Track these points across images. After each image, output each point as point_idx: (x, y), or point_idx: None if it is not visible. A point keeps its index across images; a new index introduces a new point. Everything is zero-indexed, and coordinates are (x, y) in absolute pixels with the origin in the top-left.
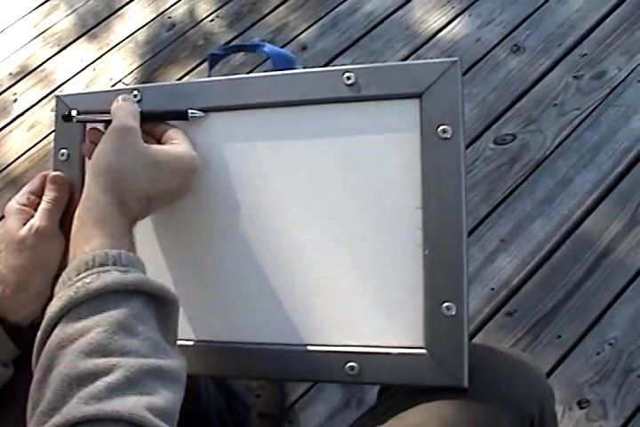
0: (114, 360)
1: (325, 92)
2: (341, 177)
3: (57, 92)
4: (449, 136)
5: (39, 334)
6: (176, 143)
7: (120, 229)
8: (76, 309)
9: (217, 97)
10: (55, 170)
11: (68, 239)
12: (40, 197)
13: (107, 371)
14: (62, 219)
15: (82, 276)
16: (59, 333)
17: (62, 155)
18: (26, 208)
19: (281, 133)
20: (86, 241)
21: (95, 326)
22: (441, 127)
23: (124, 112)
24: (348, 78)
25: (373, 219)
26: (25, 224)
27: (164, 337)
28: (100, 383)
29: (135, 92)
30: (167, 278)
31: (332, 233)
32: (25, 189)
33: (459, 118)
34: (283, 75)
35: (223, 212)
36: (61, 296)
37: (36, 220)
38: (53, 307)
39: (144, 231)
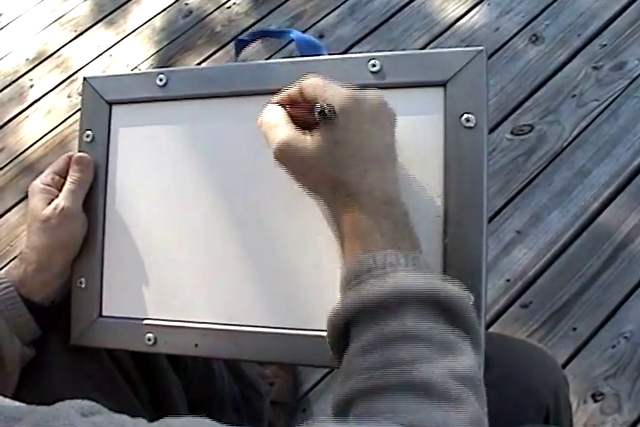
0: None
1: (350, 78)
2: None
3: (83, 75)
4: (472, 125)
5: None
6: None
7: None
8: (364, 314)
9: (243, 81)
10: (80, 151)
11: (90, 220)
12: (64, 178)
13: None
14: (86, 200)
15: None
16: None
17: (87, 136)
18: (50, 188)
19: None
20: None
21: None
22: (465, 116)
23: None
24: (374, 65)
25: None
26: (49, 204)
27: (453, 332)
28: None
29: (161, 76)
30: (176, 260)
31: None
32: (49, 170)
33: (483, 107)
34: (308, 60)
35: (244, 191)
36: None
37: (61, 200)
38: (343, 307)
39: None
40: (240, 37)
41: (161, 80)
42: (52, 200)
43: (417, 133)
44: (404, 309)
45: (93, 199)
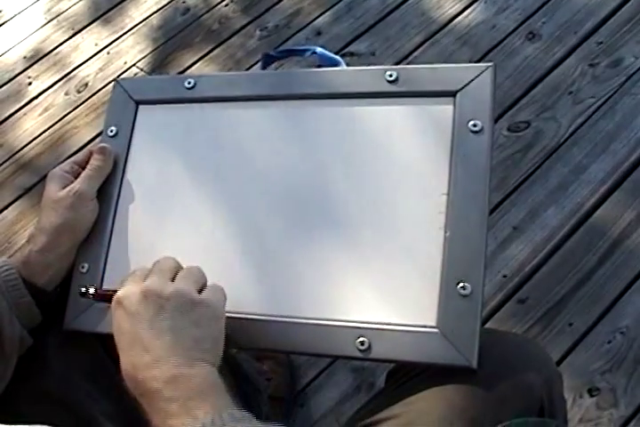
0: None
1: (368, 86)
2: (375, 161)
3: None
4: (478, 129)
5: None
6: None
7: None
8: None
9: (266, 87)
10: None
11: (102, 208)
12: (83, 168)
13: None
14: (101, 189)
15: None
16: None
17: (111, 131)
18: (67, 175)
19: (326, 120)
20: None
21: None
22: (471, 122)
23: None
24: (390, 76)
25: (400, 202)
26: (65, 188)
27: None
28: None
29: (189, 79)
30: (189, 253)
31: (357, 211)
32: (70, 160)
33: (488, 115)
34: (330, 70)
35: (253, 189)
36: None
37: (77, 183)
38: None
39: (171, 205)
40: (268, 52)
41: (189, 83)
42: (68, 185)
43: (427, 136)
44: None
45: (108, 189)
